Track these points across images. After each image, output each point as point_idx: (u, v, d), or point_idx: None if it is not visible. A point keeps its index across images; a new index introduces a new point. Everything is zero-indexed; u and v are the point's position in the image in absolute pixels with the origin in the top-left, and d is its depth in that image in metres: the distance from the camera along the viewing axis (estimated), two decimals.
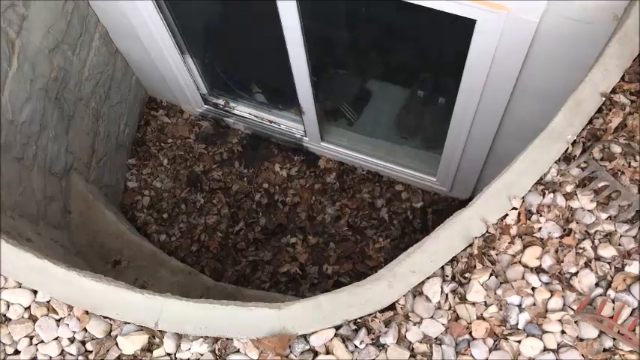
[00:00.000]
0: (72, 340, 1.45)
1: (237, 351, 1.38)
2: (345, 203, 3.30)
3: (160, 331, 1.42)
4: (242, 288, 2.68)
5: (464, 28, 2.08)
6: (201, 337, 1.39)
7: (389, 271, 1.37)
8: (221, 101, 3.40)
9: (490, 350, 1.28)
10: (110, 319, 1.45)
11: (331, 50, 3.29)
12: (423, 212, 3.25)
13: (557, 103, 2.19)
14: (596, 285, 1.31)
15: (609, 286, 1.30)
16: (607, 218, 1.37)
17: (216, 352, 1.38)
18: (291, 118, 3.32)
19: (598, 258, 1.33)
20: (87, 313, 1.45)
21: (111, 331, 1.45)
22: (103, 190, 3.09)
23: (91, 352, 1.44)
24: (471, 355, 1.28)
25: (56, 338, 1.46)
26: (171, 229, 3.30)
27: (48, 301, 1.48)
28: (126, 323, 1.44)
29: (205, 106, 3.43)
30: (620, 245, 1.33)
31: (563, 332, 1.27)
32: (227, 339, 1.39)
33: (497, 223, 1.40)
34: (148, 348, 1.42)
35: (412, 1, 2.00)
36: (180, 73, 3.11)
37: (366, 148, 3.26)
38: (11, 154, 2.32)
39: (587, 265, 1.33)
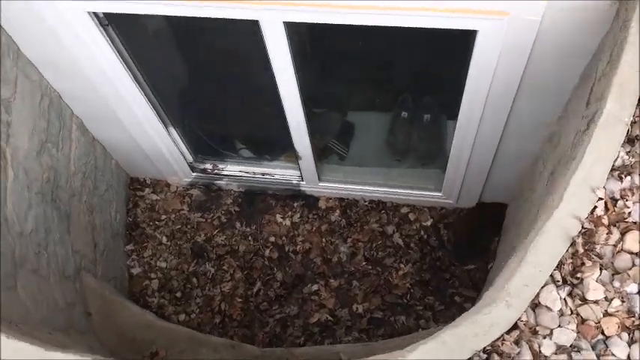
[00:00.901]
0: None
1: None
2: (356, 238, 3.26)
3: None
4: (291, 348, 2.58)
5: (444, 39, 2.11)
6: None
7: (501, 291, 1.34)
8: (208, 165, 3.32)
9: (629, 344, 1.26)
10: None
11: (309, 90, 3.29)
12: (435, 229, 3.24)
13: (560, 94, 2.26)
14: None
15: None
16: None
17: None
18: (283, 166, 3.27)
19: None
20: None
21: None
22: (112, 282, 2.94)
23: None
24: (613, 354, 1.26)
25: None
26: (188, 307, 3.16)
27: None
28: None
29: (194, 174, 3.34)
30: None
31: None
32: None
33: (588, 217, 1.40)
34: None
35: (406, 25, 2.01)
36: (165, 146, 3.03)
37: (364, 179, 3.24)
38: (27, 267, 2.17)
39: None
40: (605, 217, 1.39)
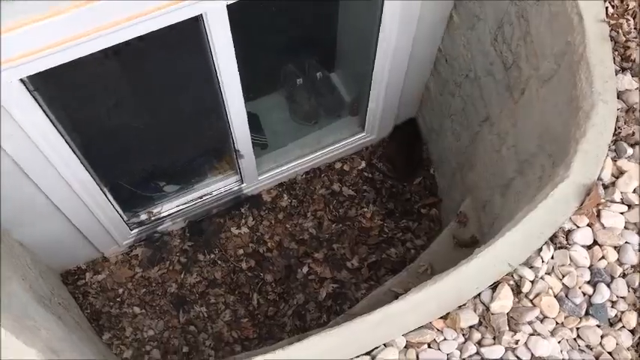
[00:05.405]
0: None
1: None
2: (313, 209, 3.34)
3: None
4: (348, 311, 2.60)
5: None
6: None
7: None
8: (144, 216, 3.11)
9: None
10: None
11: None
12: (372, 166, 3.45)
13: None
14: None
15: None
16: None
17: None
18: (216, 180, 3.21)
19: None
20: None
21: None
22: None
23: None
24: None
25: None
26: (202, 355, 2.98)
27: None
28: None
29: (133, 232, 3.10)
30: None
31: None
32: None
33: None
34: None
35: None
36: (103, 213, 2.77)
37: (292, 156, 3.32)
38: None
39: None
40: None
